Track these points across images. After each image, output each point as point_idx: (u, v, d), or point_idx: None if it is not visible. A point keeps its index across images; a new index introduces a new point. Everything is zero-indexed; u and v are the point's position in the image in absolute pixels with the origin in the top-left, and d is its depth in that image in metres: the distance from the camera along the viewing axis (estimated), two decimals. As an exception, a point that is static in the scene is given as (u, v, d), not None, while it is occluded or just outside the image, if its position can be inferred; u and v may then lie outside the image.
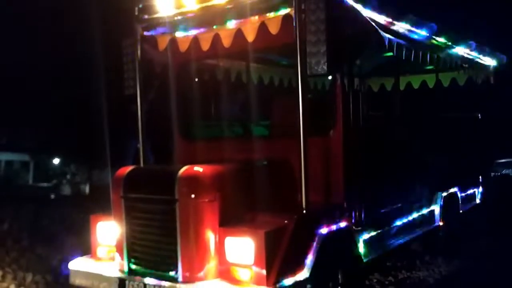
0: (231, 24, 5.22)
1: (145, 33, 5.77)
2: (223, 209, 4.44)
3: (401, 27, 5.93)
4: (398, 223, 6.17)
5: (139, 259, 4.69)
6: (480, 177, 9.14)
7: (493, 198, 9.76)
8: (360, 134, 5.25)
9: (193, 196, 4.38)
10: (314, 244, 4.53)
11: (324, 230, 4.68)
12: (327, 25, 4.44)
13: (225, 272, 4.35)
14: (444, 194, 7.35)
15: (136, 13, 5.74)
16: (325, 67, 4.45)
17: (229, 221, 4.43)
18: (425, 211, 6.89)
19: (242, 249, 4.23)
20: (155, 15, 5.60)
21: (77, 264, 5.11)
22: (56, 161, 41.14)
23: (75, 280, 5.03)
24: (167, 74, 6.08)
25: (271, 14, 4.92)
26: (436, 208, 7.16)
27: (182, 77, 6.09)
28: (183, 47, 5.57)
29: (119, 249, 4.87)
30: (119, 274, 4.71)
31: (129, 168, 4.95)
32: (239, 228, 4.34)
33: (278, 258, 4.20)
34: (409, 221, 6.43)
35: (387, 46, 5.23)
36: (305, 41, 4.52)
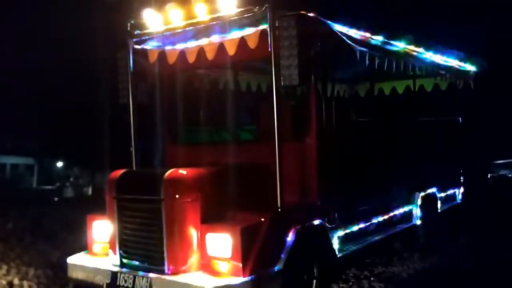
0: (214, 39, 5.69)
1: (137, 46, 6.25)
2: (205, 208, 4.91)
3: (376, 39, 6.36)
4: (374, 221, 6.60)
5: (130, 254, 5.16)
6: (461, 178, 9.57)
7: (477, 199, 10.17)
8: (334, 138, 5.71)
9: (177, 196, 4.85)
10: (288, 239, 4.98)
11: (298, 227, 5.12)
12: (298, 40, 4.90)
13: (206, 265, 4.80)
14: (422, 194, 7.78)
15: (129, 29, 6.22)
16: (297, 78, 4.90)
17: (210, 219, 4.89)
18: (402, 210, 7.32)
19: (221, 243, 4.68)
20: (146, 31, 6.07)
21: (75, 259, 5.59)
22: (59, 164, 41.75)
23: (72, 274, 5.51)
24: (157, 84, 6.56)
25: (249, 30, 5.39)
26: (414, 208, 7.59)
27: (171, 86, 6.56)
28: (171, 59, 6.06)
29: (112, 245, 5.34)
30: (112, 268, 5.17)
31: (121, 171, 5.43)
32: (218, 224, 4.80)
33: (253, 252, 4.65)
34: (384, 219, 6.86)
35: (358, 57, 5.70)
36: (279, 55, 4.98)
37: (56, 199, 26.06)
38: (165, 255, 4.85)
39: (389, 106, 8.04)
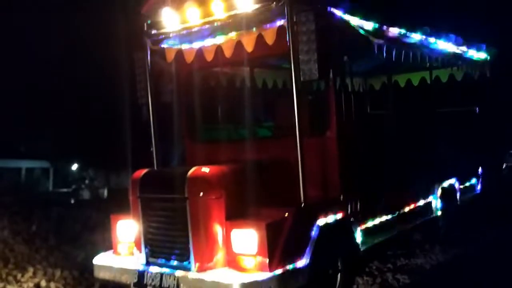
0: (232, 36, 5.71)
1: (154, 46, 6.28)
2: (229, 204, 4.93)
3: (392, 31, 6.34)
4: (396, 214, 6.59)
5: (155, 252, 5.19)
6: (480, 168, 9.51)
7: (495, 189, 10.10)
8: (354, 132, 5.71)
9: (201, 194, 4.88)
10: (313, 234, 5.00)
11: (321, 222, 5.15)
12: (317, 35, 4.90)
13: (232, 261, 4.83)
14: (442, 185, 7.76)
15: (145, 29, 6.25)
16: (316, 73, 4.90)
17: (235, 215, 4.92)
18: (422, 202, 7.31)
19: (247, 239, 4.71)
20: (163, 30, 6.11)
21: (100, 259, 5.65)
22: (74, 167, 42.07)
23: (99, 274, 5.57)
24: (176, 82, 6.60)
25: (267, 26, 5.39)
26: (434, 199, 7.57)
27: (189, 84, 6.59)
28: (189, 58, 6.08)
29: (137, 244, 5.39)
30: (138, 267, 5.22)
31: (144, 171, 5.46)
32: (243, 221, 4.82)
33: (279, 247, 4.67)
34: (406, 212, 6.86)
35: (376, 50, 5.70)
36: (297, 50, 4.99)
37: (72, 201, 26.27)
38: (191, 252, 4.88)
39: (407, 98, 8.02)
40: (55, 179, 42.46)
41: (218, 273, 4.75)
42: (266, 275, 4.55)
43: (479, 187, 9.27)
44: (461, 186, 8.47)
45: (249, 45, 5.54)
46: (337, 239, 5.40)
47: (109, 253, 5.87)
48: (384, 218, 6.33)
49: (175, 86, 6.51)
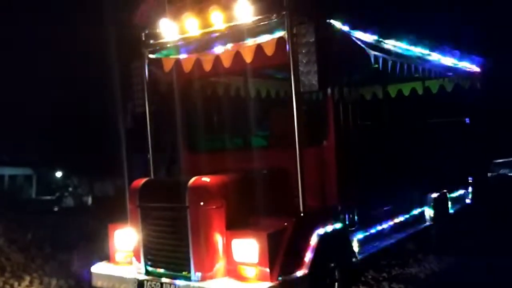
0: (231, 47, 5.76)
1: (151, 56, 6.31)
2: (229, 214, 4.96)
3: (388, 43, 6.45)
4: (390, 223, 6.67)
5: (155, 262, 5.20)
6: (470, 178, 9.65)
7: (485, 198, 10.24)
8: (351, 142, 5.78)
9: (202, 203, 4.90)
10: (312, 243, 5.04)
11: (320, 231, 5.19)
12: (316, 46, 4.98)
13: (232, 270, 4.85)
14: (434, 195, 7.85)
15: (143, 39, 6.28)
16: (316, 85, 4.97)
17: (235, 225, 4.95)
18: (416, 211, 7.41)
19: (247, 249, 4.73)
20: (160, 40, 6.14)
21: (98, 268, 5.63)
22: (58, 174, 41.68)
23: (97, 283, 5.54)
24: (172, 92, 6.63)
25: (266, 37, 5.46)
26: (427, 209, 7.66)
27: (186, 94, 6.62)
28: (187, 68, 6.12)
29: (136, 253, 5.38)
30: (138, 276, 5.21)
31: (143, 180, 5.47)
32: (244, 231, 4.85)
33: (279, 257, 4.71)
34: (400, 221, 6.94)
35: (373, 61, 5.79)
36: (297, 61, 5.05)
37: (56, 209, 26.02)
38: (191, 262, 4.89)
39: (401, 109, 8.11)
40: (38, 186, 42.00)
41: (219, 282, 4.77)
42: (267, 284, 4.58)
43: (470, 196, 9.40)
44: (453, 196, 8.59)
45: (248, 56, 5.60)
46: (335, 248, 5.44)
47: (106, 262, 5.84)
48: (379, 227, 6.40)
49: (173, 95, 6.54)
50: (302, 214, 5.07)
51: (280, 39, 5.29)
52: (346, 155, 5.70)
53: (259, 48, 5.50)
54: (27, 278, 6.20)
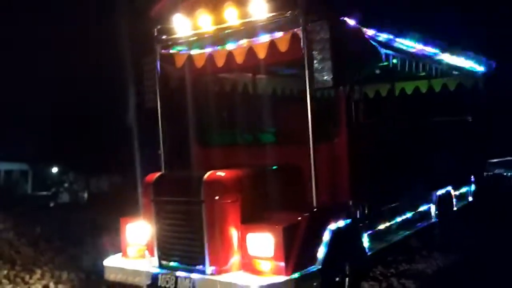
0: (244, 43, 5.80)
1: (163, 51, 6.33)
2: (244, 208, 5.01)
3: (398, 41, 6.49)
4: (398, 219, 6.74)
5: (169, 255, 5.23)
6: (472, 176, 9.74)
7: (485, 197, 10.32)
8: (362, 139, 5.84)
9: (217, 197, 4.95)
10: (325, 239, 5.10)
11: (332, 226, 5.25)
12: (331, 44, 5.03)
13: (247, 264, 4.90)
14: (439, 192, 7.93)
15: (155, 34, 6.30)
16: (330, 81, 5.03)
17: (250, 219, 5.00)
18: (422, 208, 7.47)
19: (263, 243, 4.78)
20: (173, 36, 6.17)
21: (111, 262, 5.66)
22: (54, 170, 41.55)
23: (110, 276, 5.58)
24: (184, 87, 6.66)
25: (279, 34, 5.50)
26: (432, 206, 7.73)
27: (197, 89, 6.66)
28: (199, 63, 6.16)
29: (149, 247, 5.42)
30: (151, 269, 5.25)
31: (157, 174, 5.50)
32: (259, 225, 4.90)
33: (294, 251, 4.76)
34: (408, 217, 7.01)
35: (384, 59, 5.86)
36: (312, 58, 5.10)
37: (52, 204, 25.93)
38: (206, 255, 4.94)
39: (407, 107, 8.19)
40: (34, 182, 41.86)
41: (235, 276, 4.81)
42: (283, 278, 4.63)
43: (472, 194, 9.47)
44: (457, 193, 8.66)
45: (261, 52, 5.65)
46: (346, 244, 5.49)
47: (118, 255, 5.88)
48: (388, 223, 6.47)
49: (184, 91, 6.58)
50: (315, 210, 5.12)
51: (294, 35, 5.33)
52: (357, 151, 5.75)
53: (272, 44, 5.55)
54: (38, 271, 6.22)
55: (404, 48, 6.61)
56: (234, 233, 4.96)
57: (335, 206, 5.56)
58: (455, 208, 8.54)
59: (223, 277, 4.80)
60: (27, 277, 6.01)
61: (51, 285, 5.87)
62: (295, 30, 5.27)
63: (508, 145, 15.05)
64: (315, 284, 4.90)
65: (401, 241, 6.77)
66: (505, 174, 15.70)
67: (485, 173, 15.93)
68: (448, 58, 8.02)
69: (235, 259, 4.95)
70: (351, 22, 5.50)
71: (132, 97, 10.24)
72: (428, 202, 7.67)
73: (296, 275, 4.69)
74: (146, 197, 5.43)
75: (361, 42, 5.61)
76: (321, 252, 5.02)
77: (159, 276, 5.13)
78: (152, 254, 5.37)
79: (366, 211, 5.88)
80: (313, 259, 4.94)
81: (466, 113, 9.72)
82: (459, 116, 9.45)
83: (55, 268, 6.43)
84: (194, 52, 6.21)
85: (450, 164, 8.50)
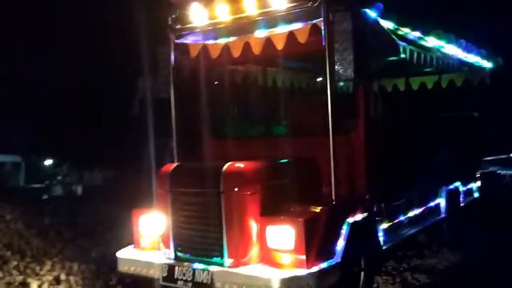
0: (261, 33, 5.72)
1: (178, 41, 6.24)
2: (263, 200, 4.95)
3: (414, 35, 6.43)
4: (410, 214, 6.70)
5: (186, 247, 5.15)
6: (477, 172, 9.75)
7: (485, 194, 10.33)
8: (380, 132, 5.79)
9: (236, 189, 4.88)
10: (343, 232, 5.05)
11: (350, 220, 5.20)
12: (353, 35, 4.96)
13: (266, 257, 4.83)
14: (448, 188, 7.91)
15: (170, 23, 6.21)
16: (352, 73, 4.96)
17: (269, 211, 4.93)
18: (432, 203, 7.45)
19: (283, 236, 4.71)
20: (188, 25, 6.08)
21: (124, 253, 5.58)
22: (48, 162, 41.24)
23: (123, 267, 5.49)
24: (197, 78, 6.58)
25: (299, 24, 5.42)
26: (442, 201, 7.71)
27: (211, 80, 6.58)
28: (214, 54, 6.07)
29: (164, 238, 5.33)
30: (167, 261, 5.17)
31: (173, 165, 5.43)
32: (280, 217, 4.83)
33: (314, 244, 4.70)
34: (420, 212, 6.98)
35: (401, 52, 5.81)
36: (333, 49, 5.03)
37: (45, 197, 25.71)
38: (225, 248, 4.87)
39: (420, 102, 8.13)
40: (27, 174, 41.55)
41: (254, 268, 4.75)
42: (304, 271, 4.57)
43: (477, 190, 9.47)
44: (464, 189, 8.65)
45: (279, 43, 5.57)
46: (363, 238, 5.45)
47: (130, 247, 5.80)
48: (403, 218, 6.44)
49: (197, 81, 6.50)
50: (334, 203, 5.07)
51: (314, 26, 5.26)
52: (374, 145, 5.70)
53: (291, 35, 5.47)
54: (48, 263, 6.12)
55: (421, 42, 6.58)
56: (253, 225, 4.89)
57: (353, 199, 5.51)
58: (462, 204, 8.54)
59: (242, 270, 4.74)
60: (37, 268, 5.90)
61: (62, 276, 5.78)
62: (316, 21, 5.20)
63: (502, 144, 15.09)
64: (334, 277, 4.85)
65: (413, 236, 6.75)
66: (498, 172, 15.77)
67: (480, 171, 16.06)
68: (458, 53, 7.98)
69: (254, 251, 4.88)
70: (372, 14, 5.44)
71: (137, 89, 10.19)
72: (438, 197, 7.65)
73: (316, 268, 4.64)
74: (161, 188, 5.35)
75: (380, 34, 5.55)
76: (339, 246, 4.97)
77: (176, 268, 5.05)
78: (167, 246, 5.30)
79: (383, 205, 5.84)
80: (333, 252, 4.88)
81: (473, 109, 9.71)
82: (466, 112, 9.43)
83: (65, 259, 6.34)
84: (209, 42, 6.12)
85: (458, 160, 8.49)
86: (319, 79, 8.17)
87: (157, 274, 5.19)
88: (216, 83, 6.68)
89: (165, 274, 5.10)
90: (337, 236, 4.99)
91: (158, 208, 5.46)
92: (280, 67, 7.29)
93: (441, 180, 7.75)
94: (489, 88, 9.70)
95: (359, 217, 5.37)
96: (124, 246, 5.87)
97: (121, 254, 5.59)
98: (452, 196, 8.04)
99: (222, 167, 4.97)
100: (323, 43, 5.09)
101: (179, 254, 5.20)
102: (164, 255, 5.31)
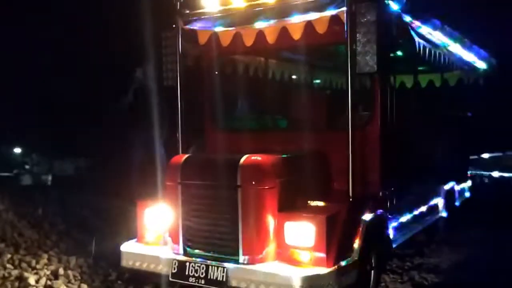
0: (276, 22, 5.50)
1: (186, 26, 5.97)
2: (281, 195, 4.76)
3: (426, 30, 6.34)
4: (415, 212, 6.62)
5: (197, 243, 4.92)
6: (468, 172, 9.79)
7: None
8: (393, 129, 5.67)
9: (254, 183, 4.67)
10: (360, 230, 4.91)
11: (366, 217, 5.06)
12: (377, 26, 4.80)
13: (283, 254, 4.65)
14: (447, 187, 7.88)
15: (178, 7, 5.94)
16: (374, 66, 4.80)
17: (286, 207, 4.75)
18: (433, 202, 7.39)
19: (302, 233, 4.53)
20: (197, 10, 5.83)
21: (129, 247, 5.31)
22: (16, 150, 40.13)
23: (128, 262, 5.22)
24: (204, 67, 6.34)
25: (317, 14, 5.23)
26: (441, 200, 7.67)
27: (222, 69, 6.34)
28: (225, 41, 5.83)
29: (172, 233, 5.08)
30: (176, 257, 4.93)
31: (184, 156, 5.17)
32: (299, 213, 4.65)
33: (334, 242, 4.55)
34: (423, 211, 6.90)
35: (417, 48, 5.70)
36: (355, 41, 4.86)
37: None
38: (240, 244, 4.66)
39: (427, 99, 8.05)
40: (-4, 162, 40.34)
41: (272, 266, 4.56)
42: (323, 270, 4.40)
43: (469, 190, 9.48)
44: (458, 188, 8.64)
45: (296, 33, 5.37)
46: (376, 235, 5.32)
47: (133, 241, 5.53)
48: (409, 216, 6.34)
49: (205, 70, 6.26)
50: (352, 199, 4.91)
51: (333, 16, 5.08)
52: (388, 141, 5.57)
53: (309, 25, 5.28)
54: (45, 256, 5.76)
55: (431, 38, 6.48)
56: (270, 221, 4.70)
57: (367, 196, 5.37)
58: (456, 203, 8.53)
59: (259, 267, 4.54)
60: (33, 262, 5.55)
61: (61, 270, 5.46)
62: (337, 10, 5.02)
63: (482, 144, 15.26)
64: (352, 276, 4.71)
65: (416, 234, 6.67)
66: (477, 172, 15.98)
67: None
68: (461, 52, 7.96)
69: (271, 248, 4.69)
70: (395, 6, 5.29)
71: (134, 78, 9.88)
72: (438, 196, 7.60)
73: (337, 266, 4.48)
74: (171, 180, 5.09)
75: (400, 27, 5.42)
76: (356, 244, 4.83)
77: (187, 264, 4.81)
78: (175, 241, 5.05)
79: (394, 202, 5.72)
80: (351, 250, 4.75)
81: (466, 109, 9.71)
82: (461, 111, 9.43)
83: (61, 252, 6.01)
84: (219, 29, 5.87)
85: (454, 159, 8.48)
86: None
87: (165, 270, 4.95)
88: (216, 73, 6.41)
89: (174, 270, 4.86)
90: (355, 233, 4.85)
91: (166, 201, 5.21)
92: (293, 59, 7.07)
93: (441, 179, 7.71)
94: (482, 88, 9.73)
95: (373, 214, 5.24)
96: (121, 240, 5.63)
97: (125, 248, 5.32)
98: (449, 195, 8.01)
99: (239, 160, 4.75)
100: (344, 35, 4.91)
101: (188, 249, 4.96)
102: (172, 250, 5.06)
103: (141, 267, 5.14)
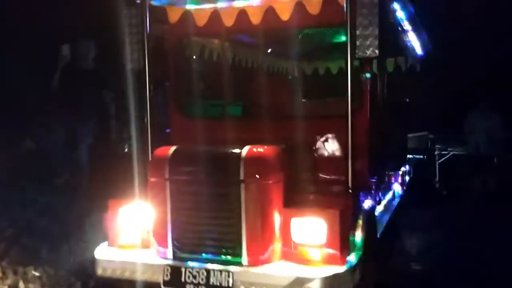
0: (261, 1, 5.07)
1: (153, 2, 5.33)
2: (286, 190, 4.38)
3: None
4: (387, 199, 6.55)
5: (191, 245, 4.40)
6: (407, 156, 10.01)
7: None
8: (379, 116, 5.49)
9: (259, 177, 4.24)
10: (361, 221, 4.66)
11: (364, 208, 4.85)
12: (379, 8, 4.55)
13: (289, 253, 4.27)
14: (400, 172, 7.94)
15: (144, -20, 5.27)
16: (376, 50, 4.54)
17: (291, 202, 4.39)
18: (395, 188, 7.38)
19: (312, 229, 4.20)
20: (169, -17, 5.22)
21: (105, 253, 4.65)
22: None
23: (105, 271, 4.56)
24: (176, 48, 5.73)
25: None
26: (398, 185, 7.68)
27: (194, 52, 5.78)
28: (201, 21, 5.30)
29: (159, 235, 4.51)
30: (169, 262, 4.38)
31: (172, 148, 4.59)
32: (307, 208, 4.31)
33: (345, 237, 4.28)
34: (390, 197, 6.86)
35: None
36: (355, 23, 4.57)
37: None
38: (244, 244, 4.22)
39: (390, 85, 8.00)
40: None
41: (282, 267, 4.18)
42: (338, 269, 4.10)
43: (410, 173, 9.68)
44: (406, 171, 8.77)
45: (284, 14, 4.99)
46: (371, 226, 5.10)
47: (104, 245, 4.85)
48: (385, 203, 6.27)
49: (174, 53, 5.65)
50: (353, 191, 4.65)
51: None
52: (374, 128, 5.38)
53: (299, 5, 4.91)
54: (-2, 269, 4.91)
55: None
56: (276, 217, 4.30)
57: (360, 186, 5.14)
58: (405, 186, 8.64)
59: (270, 269, 4.14)
60: (-15, 277, 4.70)
61: (21, 285, 4.65)
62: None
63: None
64: (361, 272, 4.46)
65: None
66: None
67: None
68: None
69: (276, 247, 4.30)
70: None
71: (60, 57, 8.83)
72: (396, 181, 7.62)
73: (349, 263, 4.20)
74: (156, 176, 4.50)
75: (394, 12, 5.24)
76: (359, 237, 4.57)
77: (182, 270, 4.28)
78: (163, 244, 4.48)
79: (377, 191, 5.58)
80: (357, 245, 4.48)
81: (405, 95, 9.86)
82: (402, 97, 9.55)
83: (14, 263, 5.12)
84: (194, 6, 5.31)
85: (401, 144, 8.61)
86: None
87: (154, 277, 4.38)
88: (191, 57, 5.85)
89: (167, 278, 4.31)
90: (358, 227, 4.59)
91: (148, 199, 4.62)
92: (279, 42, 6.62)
93: (399, 163, 7.76)
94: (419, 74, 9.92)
95: (367, 204, 5.04)
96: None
97: (100, 254, 4.65)
98: (403, 179, 8.09)
99: (242, 152, 4.28)
100: (342, 16, 4.59)
101: (180, 253, 4.42)
102: (158, 254, 4.50)
103: (122, 275, 4.52)
